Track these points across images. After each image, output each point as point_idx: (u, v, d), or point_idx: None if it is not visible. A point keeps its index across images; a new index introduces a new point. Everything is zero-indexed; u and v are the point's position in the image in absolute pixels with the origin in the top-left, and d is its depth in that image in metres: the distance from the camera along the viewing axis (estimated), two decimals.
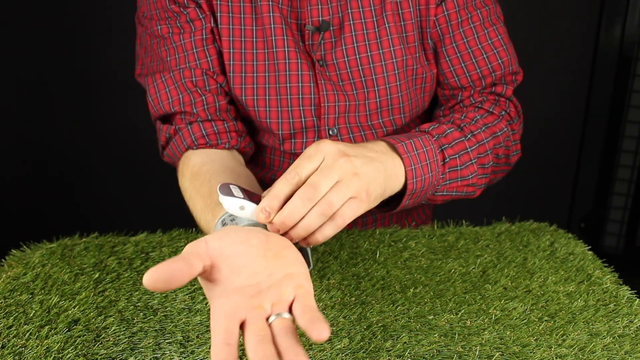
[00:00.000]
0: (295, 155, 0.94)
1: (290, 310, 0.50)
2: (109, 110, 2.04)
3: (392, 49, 0.88)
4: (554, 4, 2.04)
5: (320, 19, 0.87)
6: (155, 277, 0.47)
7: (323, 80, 0.88)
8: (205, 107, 0.86)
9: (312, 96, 0.88)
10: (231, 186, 0.63)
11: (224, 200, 0.60)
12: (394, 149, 0.75)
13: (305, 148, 0.89)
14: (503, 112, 0.91)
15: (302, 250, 0.64)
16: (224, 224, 0.63)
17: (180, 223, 0.92)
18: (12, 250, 0.81)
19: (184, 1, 0.86)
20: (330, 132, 0.91)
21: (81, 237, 0.85)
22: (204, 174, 0.78)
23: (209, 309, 0.69)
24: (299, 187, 0.62)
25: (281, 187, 0.61)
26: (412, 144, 0.76)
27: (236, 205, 0.60)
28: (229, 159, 0.85)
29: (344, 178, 0.63)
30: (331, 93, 0.88)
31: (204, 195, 0.74)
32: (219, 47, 0.88)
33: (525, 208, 2.19)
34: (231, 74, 0.88)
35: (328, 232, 0.63)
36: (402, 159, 0.74)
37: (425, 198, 0.82)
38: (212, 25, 0.87)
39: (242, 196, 0.61)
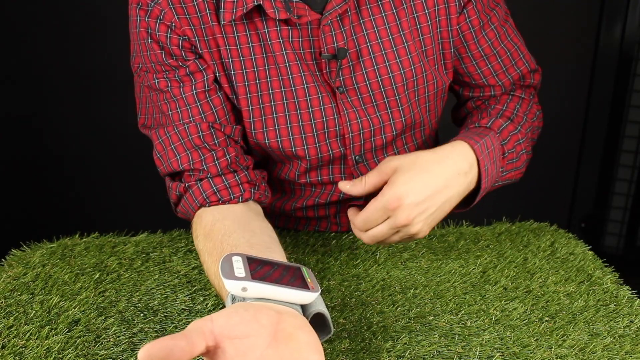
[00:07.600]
0: (319, 184, 0.92)
1: None
2: (110, 110, 2.03)
3: (412, 67, 0.86)
4: (554, 3, 2.04)
5: (335, 45, 0.83)
6: (151, 353, 0.45)
7: (346, 109, 0.86)
8: (216, 162, 0.82)
9: (337, 128, 0.86)
10: (234, 258, 0.61)
11: (226, 283, 0.58)
12: (472, 150, 0.79)
13: (331, 175, 0.90)
14: (531, 95, 0.94)
15: (323, 316, 0.61)
16: (233, 298, 0.60)
17: (180, 223, 0.92)
18: (12, 250, 0.81)
19: (182, 54, 0.81)
20: (357, 159, 0.89)
21: (81, 237, 0.85)
22: (215, 234, 0.74)
23: (209, 310, 0.69)
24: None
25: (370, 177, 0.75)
26: (485, 144, 0.80)
27: (238, 287, 0.57)
28: (242, 213, 0.80)
29: (401, 230, 0.72)
30: (355, 122, 0.86)
31: (215, 259, 0.70)
32: (225, 95, 0.84)
33: (525, 208, 2.19)
34: (251, 120, 0.84)
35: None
36: (478, 161, 0.78)
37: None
38: (214, 75, 0.83)
39: (244, 275, 0.58)
